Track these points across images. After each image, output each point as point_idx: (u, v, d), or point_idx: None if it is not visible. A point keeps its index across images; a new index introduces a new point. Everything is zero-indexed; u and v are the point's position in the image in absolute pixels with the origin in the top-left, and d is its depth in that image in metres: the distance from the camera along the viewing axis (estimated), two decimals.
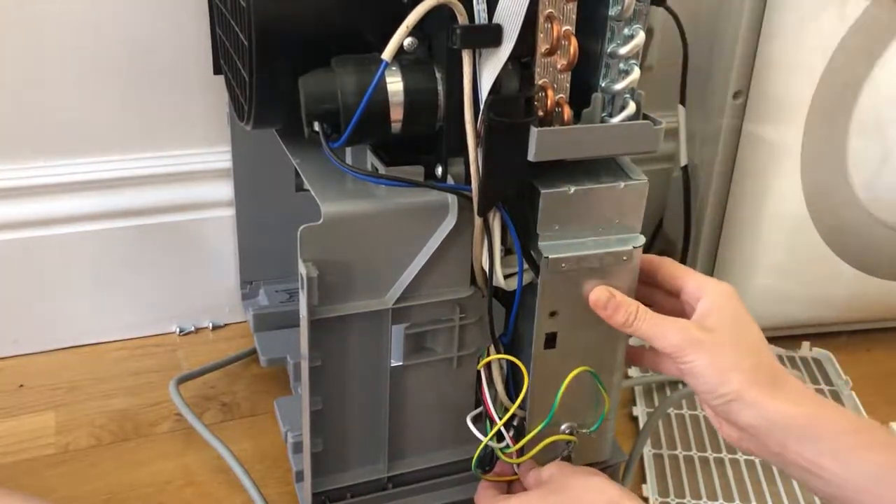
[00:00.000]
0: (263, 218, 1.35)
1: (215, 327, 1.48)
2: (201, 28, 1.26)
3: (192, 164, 1.38)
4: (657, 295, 0.96)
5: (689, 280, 0.92)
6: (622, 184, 0.90)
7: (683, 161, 1.40)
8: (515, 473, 1.00)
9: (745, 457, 1.21)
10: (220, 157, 1.38)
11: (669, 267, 0.94)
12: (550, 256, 0.88)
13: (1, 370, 1.35)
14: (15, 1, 1.20)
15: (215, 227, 1.41)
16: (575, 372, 0.94)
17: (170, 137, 1.36)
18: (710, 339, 0.85)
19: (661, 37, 1.46)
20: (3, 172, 1.29)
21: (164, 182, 1.37)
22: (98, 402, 1.29)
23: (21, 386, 1.32)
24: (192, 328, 1.47)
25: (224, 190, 1.38)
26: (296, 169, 0.97)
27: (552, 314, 0.91)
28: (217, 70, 1.21)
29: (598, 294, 0.89)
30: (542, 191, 0.87)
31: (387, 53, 0.80)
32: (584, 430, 1.00)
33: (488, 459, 1.03)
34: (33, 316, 1.37)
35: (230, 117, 1.28)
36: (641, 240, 0.92)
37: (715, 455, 1.21)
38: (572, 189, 0.88)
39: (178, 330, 1.46)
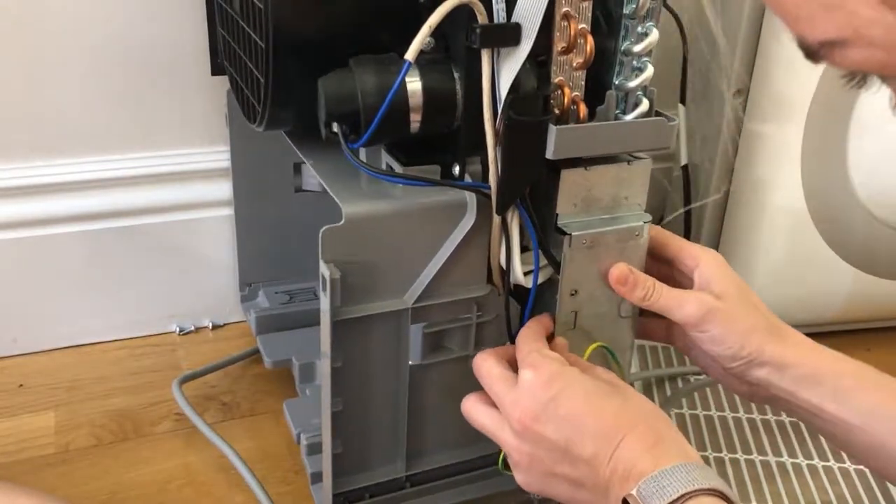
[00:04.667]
0: (262, 218, 1.35)
1: (215, 327, 1.48)
2: (199, 28, 1.26)
3: (190, 164, 1.38)
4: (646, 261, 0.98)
5: (681, 249, 0.95)
6: (629, 161, 0.91)
7: (684, 160, 1.40)
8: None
9: (745, 456, 1.22)
10: (219, 157, 1.37)
11: (658, 235, 0.96)
12: (574, 234, 0.89)
13: (1, 370, 1.35)
14: (15, 1, 1.20)
15: (214, 226, 1.41)
16: (592, 346, 0.95)
17: (168, 137, 1.36)
18: (725, 307, 0.89)
19: (661, 36, 1.47)
20: (2, 172, 1.29)
21: (163, 181, 1.37)
22: (98, 402, 1.29)
23: (21, 386, 1.32)
24: (192, 328, 1.47)
25: (223, 189, 1.38)
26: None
27: (573, 293, 0.92)
28: (215, 71, 1.21)
29: (620, 270, 0.91)
30: (563, 170, 0.88)
31: (410, 54, 0.80)
32: None
33: None
34: (33, 316, 1.37)
35: (228, 117, 1.28)
36: (650, 216, 0.94)
37: (715, 454, 1.22)
38: (587, 167, 0.89)
39: (178, 329, 1.46)
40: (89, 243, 1.35)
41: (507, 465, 1.01)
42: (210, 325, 1.48)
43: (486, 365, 0.87)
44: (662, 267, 0.97)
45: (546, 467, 0.82)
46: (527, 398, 0.82)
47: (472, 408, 0.88)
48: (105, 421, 1.26)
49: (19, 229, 1.31)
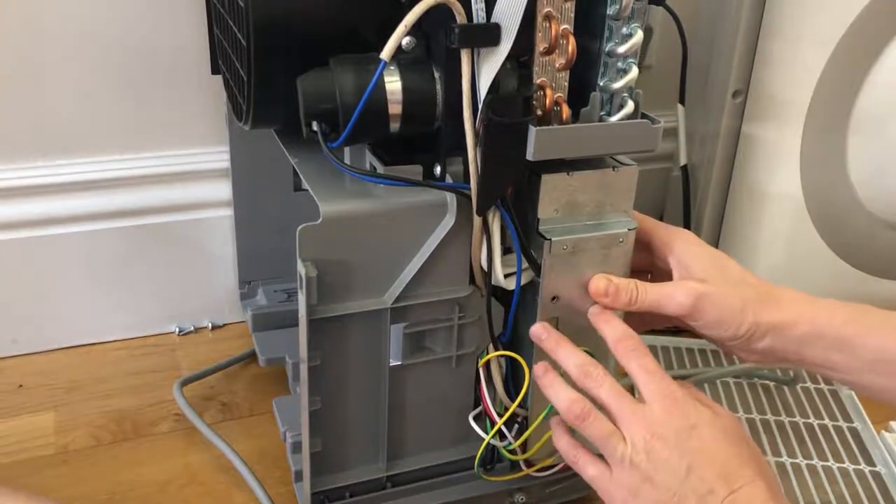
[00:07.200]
0: (261, 218, 1.34)
1: (214, 327, 1.48)
2: (199, 28, 1.26)
3: (190, 164, 1.38)
4: None
5: (652, 234, 0.96)
6: (614, 168, 0.91)
7: (683, 160, 1.40)
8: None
9: None
10: (219, 157, 1.38)
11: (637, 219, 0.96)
12: (553, 239, 0.88)
13: (1, 370, 1.35)
14: (15, 1, 1.20)
15: (214, 226, 1.41)
16: None
17: (168, 137, 1.36)
18: (713, 289, 0.88)
19: (660, 36, 1.47)
20: (3, 172, 1.29)
21: (163, 182, 1.37)
22: (98, 402, 1.29)
23: (21, 386, 1.32)
24: (192, 328, 1.47)
25: (223, 190, 1.39)
26: (294, 168, 0.97)
27: (553, 298, 0.92)
28: (215, 70, 1.21)
29: (598, 283, 0.91)
30: (544, 175, 0.87)
31: (385, 53, 0.80)
32: None
33: (489, 459, 1.03)
34: (33, 316, 1.37)
35: (228, 117, 1.28)
36: (635, 223, 0.93)
37: None
38: (570, 173, 0.88)
39: (177, 330, 1.46)
40: (89, 243, 1.35)
41: (485, 469, 1.01)
42: (209, 325, 1.48)
43: (609, 378, 0.86)
44: (641, 253, 0.96)
45: (650, 493, 0.81)
46: (661, 418, 0.81)
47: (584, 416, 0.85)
48: (105, 421, 1.26)
49: (19, 229, 1.31)
